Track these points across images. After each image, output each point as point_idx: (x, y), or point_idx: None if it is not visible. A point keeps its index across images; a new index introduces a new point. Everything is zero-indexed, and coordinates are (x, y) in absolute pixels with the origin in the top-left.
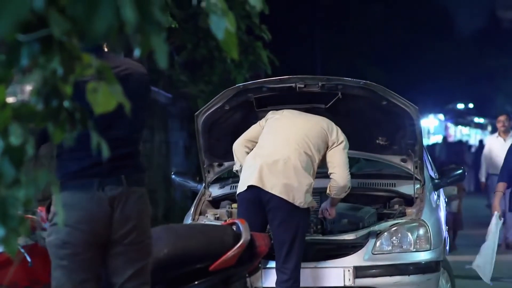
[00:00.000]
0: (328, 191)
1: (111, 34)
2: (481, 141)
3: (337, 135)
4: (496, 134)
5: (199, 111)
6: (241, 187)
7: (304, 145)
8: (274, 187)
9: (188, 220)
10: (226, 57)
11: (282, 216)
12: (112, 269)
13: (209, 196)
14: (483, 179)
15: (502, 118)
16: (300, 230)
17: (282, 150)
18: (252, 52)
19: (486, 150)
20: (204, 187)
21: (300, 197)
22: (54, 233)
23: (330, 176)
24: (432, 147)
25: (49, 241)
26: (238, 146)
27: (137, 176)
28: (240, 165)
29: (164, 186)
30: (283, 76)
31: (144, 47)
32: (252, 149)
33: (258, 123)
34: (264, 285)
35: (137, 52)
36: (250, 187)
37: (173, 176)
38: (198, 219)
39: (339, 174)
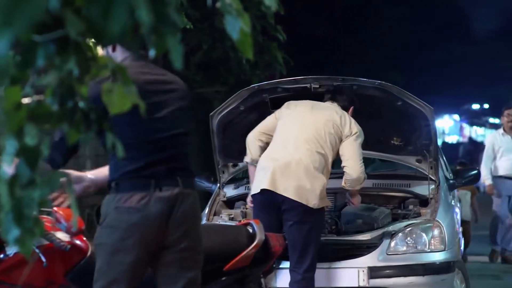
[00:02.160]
0: (343, 183)
1: (126, 35)
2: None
3: (350, 127)
4: (501, 130)
5: (214, 111)
6: (255, 189)
7: (316, 144)
8: (287, 189)
9: (202, 220)
10: (241, 58)
11: (296, 217)
12: (163, 279)
13: (224, 197)
14: (489, 181)
15: (510, 111)
16: (314, 231)
17: (293, 152)
18: (267, 52)
19: (488, 149)
20: (219, 188)
21: (313, 199)
22: (105, 237)
23: (344, 169)
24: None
25: (98, 243)
26: (252, 139)
27: (191, 179)
28: (251, 158)
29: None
30: (298, 76)
31: (159, 47)
32: (266, 142)
33: (273, 114)
34: (278, 285)
35: (152, 53)
36: (263, 190)
37: None
38: (212, 219)
39: (352, 167)
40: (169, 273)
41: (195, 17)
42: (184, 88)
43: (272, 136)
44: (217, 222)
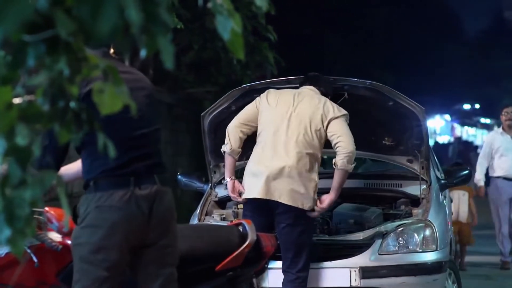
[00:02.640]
0: (335, 161)
1: (116, 34)
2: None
3: (333, 110)
4: (499, 130)
5: (205, 111)
6: (248, 193)
7: (305, 145)
8: (281, 195)
9: (194, 220)
10: (232, 58)
11: (289, 220)
12: (144, 276)
13: (215, 197)
14: (481, 182)
15: (510, 109)
16: (307, 232)
17: (285, 157)
18: (258, 52)
19: (485, 148)
20: (210, 188)
21: (308, 202)
22: (86, 236)
23: (337, 146)
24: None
25: (78, 243)
26: (233, 128)
27: (165, 175)
28: (230, 148)
29: (170, 186)
30: (289, 76)
31: (150, 47)
32: (247, 133)
33: (254, 103)
34: (270, 285)
35: (143, 53)
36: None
37: (179, 177)
38: (204, 219)
39: (346, 141)
40: (149, 271)
41: (186, 17)
42: (151, 85)
43: (253, 126)
44: (209, 222)
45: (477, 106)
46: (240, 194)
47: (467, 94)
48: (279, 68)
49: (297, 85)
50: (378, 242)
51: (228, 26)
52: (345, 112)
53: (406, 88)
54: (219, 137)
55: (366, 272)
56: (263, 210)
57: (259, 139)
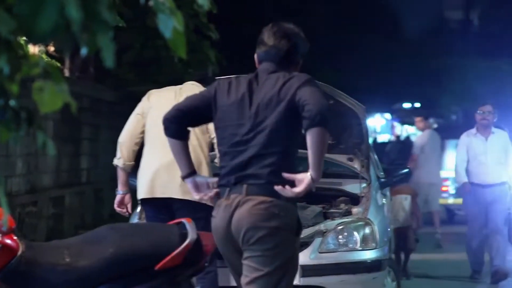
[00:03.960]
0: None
1: (57, 33)
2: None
3: None
4: (474, 130)
5: None
6: (141, 193)
7: (193, 138)
8: (176, 191)
9: (134, 219)
10: (174, 56)
11: (189, 214)
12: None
13: None
14: (465, 178)
15: (486, 108)
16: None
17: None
18: (200, 51)
19: (460, 150)
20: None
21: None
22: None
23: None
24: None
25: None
26: (125, 143)
27: (259, 186)
28: (123, 163)
29: (110, 185)
30: (231, 75)
31: (91, 46)
32: (140, 143)
33: (135, 112)
34: (220, 284)
35: (84, 51)
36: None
37: None
38: (144, 218)
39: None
40: (244, 270)
41: (128, 15)
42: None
43: (142, 136)
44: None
45: (417, 105)
46: (127, 208)
47: (407, 93)
48: (220, 67)
49: None
50: (318, 240)
51: (170, 25)
52: None
53: (346, 86)
54: None
55: (306, 271)
56: (162, 207)
57: (146, 140)
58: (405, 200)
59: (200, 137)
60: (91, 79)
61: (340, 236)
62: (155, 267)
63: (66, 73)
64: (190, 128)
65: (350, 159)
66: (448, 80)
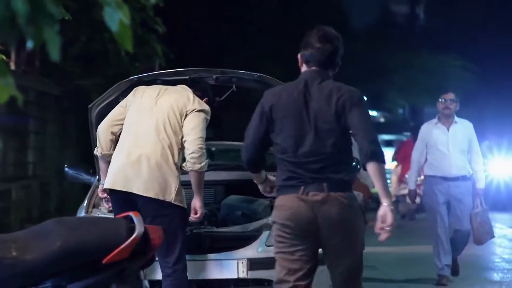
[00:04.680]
0: (184, 163)
1: (3, 25)
2: None
3: (193, 104)
4: (435, 120)
5: (92, 103)
6: (107, 184)
7: (165, 135)
8: (139, 187)
9: (81, 213)
10: (121, 50)
11: (153, 213)
12: (334, 277)
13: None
14: (412, 185)
15: (448, 96)
16: (175, 225)
17: (143, 147)
18: (147, 44)
19: (419, 142)
20: (98, 180)
21: (170, 193)
22: (273, 230)
23: (184, 144)
24: None
25: (273, 235)
26: (103, 131)
27: (338, 184)
28: (101, 152)
29: (57, 179)
30: (178, 68)
31: (36, 39)
32: (118, 133)
33: (121, 103)
34: (158, 278)
35: (29, 44)
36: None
37: (66, 169)
38: (91, 211)
39: (190, 141)
40: (329, 264)
41: (74, 8)
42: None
43: (121, 126)
44: (96, 215)
45: (364, 98)
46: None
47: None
48: (167, 60)
49: (186, 77)
50: (265, 233)
51: (116, 18)
52: (207, 108)
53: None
54: None
55: (253, 264)
56: (125, 202)
57: (123, 131)
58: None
59: (172, 137)
60: (37, 72)
61: None
62: (103, 260)
63: (12, 66)
64: (161, 127)
65: None
66: (395, 74)
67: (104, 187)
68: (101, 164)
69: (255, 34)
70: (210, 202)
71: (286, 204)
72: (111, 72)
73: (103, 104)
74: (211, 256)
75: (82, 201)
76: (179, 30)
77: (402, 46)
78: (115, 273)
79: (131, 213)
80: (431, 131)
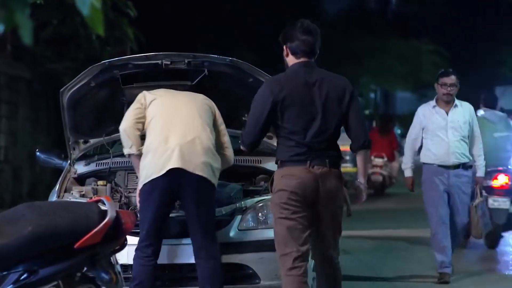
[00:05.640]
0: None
1: None
2: None
3: (219, 115)
4: (433, 102)
5: (64, 87)
6: (156, 172)
7: (204, 124)
8: (196, 167)
9: (53, 197)
10: (92, 34)
11: (204, 195)
12: (322, 240)
13: (75, 173)
14: (409, 172)
15: (449, 80)
16: (213, 207)
17: (192, 130)
18: (118, 28)
19: (414, 127)
20: (70, 164)
21: (217, 175)
22: (277, 197)
23: (224, 152)
24: None
25: (273, 202)
26: (129, 129)
27: (336, 161)
28: (136, 148)
29: (28, 163)
30: (149, 53)
31: (8, 23)
32: (140, 130)
33: (136, 103)
34: (130, 262)
35: (0, 28)
36: (170, 171)
37: (38, 153)
38: (63, 196)
39: (231, 153)
40: (326, 235)
41: None
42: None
43: (143, 123)
44: (68, 199)
45: None
46: None
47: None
48: (139, 44)
49: (157, 61)
50: (237, 218)
51: (87, 2)
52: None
53: (269, 66)
54: (79, 113)
55: (226, 248)
56: (169, 196)
57: (155, 123)
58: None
59: (210, 124)
60: (8, 56)
61: (260, 214)
62: (74, 245)
63: None
64: (202, 114)
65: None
66: (367, 59)
67: (149, 179)
68: (136, 162)
69: (228, 19)
70: None
71: (295, 174)
72: (83, 56)
73: (74, 88)
74: (184, 240)
75: (54, 185)
76: (151, 14)
77: (375, 31)
78: (87, 257)
79: (103, 197)
80: (429, 115)
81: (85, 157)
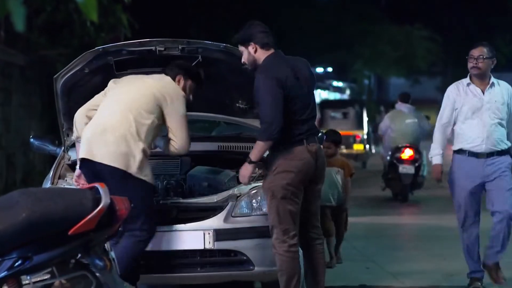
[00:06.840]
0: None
1: None
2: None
3: (171, 100)
4: (466, 80)
5: (58, 74)
6: (79, 155)
7: (135, 112)
8: (104, 156)
9: (47, 184)
10: (86, 20)
11: (115, 184)
12: (309, 206)
13: (68, 160)
14: (438, 159)
15: (476, 52)
16: (139, 199)
17: (111, 119)
18: (112, 15)
19: (445, 108)
20: (63, 151)
21: (133, 165)
22: (280, 179)
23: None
24: None
25: (274, 183)
26: (79, 116)
27: (319, 138)
28: (77, 136)
29: (22, 150)
30: (143, 39)
31: (1, 9)
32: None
33: (103, 92)
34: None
35: None
36: (83, 160)
37: (32, 140)
38: (57, 183)
39: (179, 140)
40: (311, 203)
41: None
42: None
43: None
44: (62, 186)
45: (329, 69)
46: None
47: (320, 58)
48: (133, 31)
49: (151, 47)
50: (231, 204)
51: None
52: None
53: None
54: (73, 100)
55: (220, 235)
56: (94, 176)
57: (97, 111)
58: (336, 174)
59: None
60: (1, 42)
61: (254, 200)
62: (68, 231)
63: None
64: (136, 104)
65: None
66: (361, 45)
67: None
68: (78, 148)
69: (221, 2)
70: (176, 173)
71: (299, 156)
72: (76, 42)
73: (68, 75)
74: (178, 227)
75: (48, 172)
76: (145, 0)
77: (367, 17)
78: (82, 244)
79: (97, 184)
80: (462, 95)
81: None
